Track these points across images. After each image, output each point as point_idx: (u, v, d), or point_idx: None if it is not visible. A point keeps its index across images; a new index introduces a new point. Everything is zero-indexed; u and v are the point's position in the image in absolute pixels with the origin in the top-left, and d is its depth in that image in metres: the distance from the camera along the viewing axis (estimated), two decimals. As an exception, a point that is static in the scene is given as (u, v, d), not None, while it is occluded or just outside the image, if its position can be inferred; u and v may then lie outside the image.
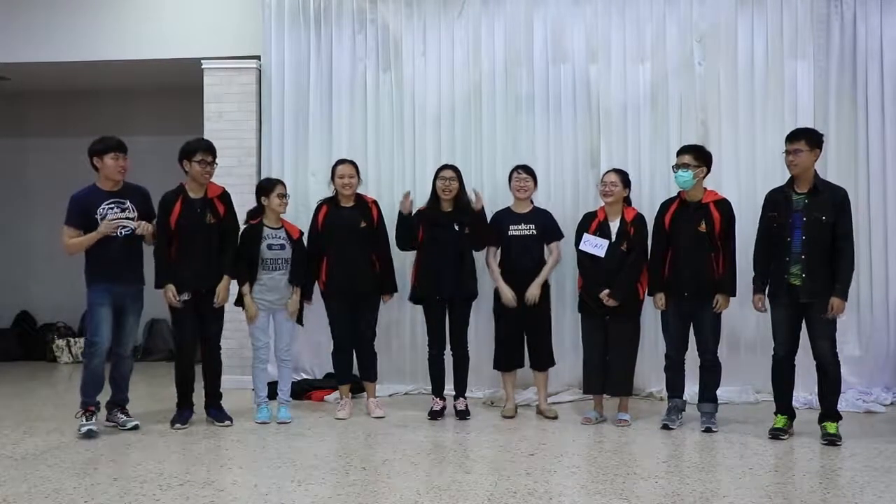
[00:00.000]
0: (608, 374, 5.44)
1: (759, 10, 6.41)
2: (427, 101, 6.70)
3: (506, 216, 5.76)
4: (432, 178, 5.79)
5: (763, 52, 6.40)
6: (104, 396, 5.38)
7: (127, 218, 5.20)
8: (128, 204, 5.23)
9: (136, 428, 5.28)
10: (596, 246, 5.39)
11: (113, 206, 5.18)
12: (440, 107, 6.69)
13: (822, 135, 5.06)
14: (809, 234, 4.90)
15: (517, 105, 6.60)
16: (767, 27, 6.40)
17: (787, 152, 4.99)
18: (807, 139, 4.95)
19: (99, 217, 5.13)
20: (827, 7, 6.36)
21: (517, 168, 5.82)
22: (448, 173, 5.70)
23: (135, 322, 5.38)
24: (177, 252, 5.34)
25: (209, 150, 5.40)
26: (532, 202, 5.82)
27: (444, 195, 5.68)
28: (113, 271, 5.16)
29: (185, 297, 5.34)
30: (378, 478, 4.29)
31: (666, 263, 5.33)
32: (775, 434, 5.03)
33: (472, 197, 5.72)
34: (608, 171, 5.61)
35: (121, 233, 5.17)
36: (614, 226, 5.44)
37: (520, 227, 5.69)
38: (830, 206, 4.92)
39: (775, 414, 5.15)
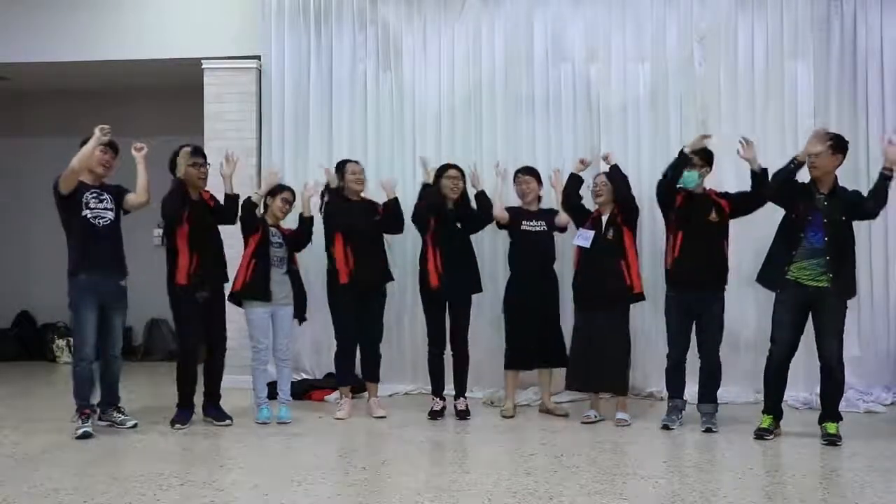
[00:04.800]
0: (602, 372, 5.44)
1: (759, 10, 6.42)
2: (427, 101, 6.71)
3: (518, 212, 5.82)
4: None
5: (763, 52, 6.40)
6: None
7: (105, 209, 5.21)
8: (105, 196, 5.25)
9: (135, 426, 5.28)
10: (584, 238, 5.49)
11: (94, 196, 5.20)
12: (440, 107, 6.70)
13: (847, 141, 5.02)
14: (832, 235, 4.88)
15: (517, 105, 6.61)
16: (767, 27, 6.40)
17: (809, 154, 4.96)
18: (832, 142, 4.93)
19: (83, 203, 5.15)
20: (827, 7, 6.36)
21: (518, 171, 5.89)
22: (454, 172, 5.75)
23: (121, 323, 5.34)
24: (197, 256, 5.35)
25: (200, 153, 5.47)
26: (540, 201, 5.86)
27: (452, 194, 5.70)
28: (98, 263, 5.15)
29: (203, 296, 5.36)
30: (378, 478, 4.29)
31: (677, 250, 5.32)
32: (760, 434, 5.02)
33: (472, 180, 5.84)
34: (600, 174, 5.67)
35: (100, 223, 5.18)
36: (605, 218, 5.52)
37: (531, 223, 5.75)
38: (848, 203, 4.94)
39: (763, 413, 5.14)
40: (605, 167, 5.79)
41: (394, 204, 5.80)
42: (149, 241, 7.09)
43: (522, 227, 5.75)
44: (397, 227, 5.85)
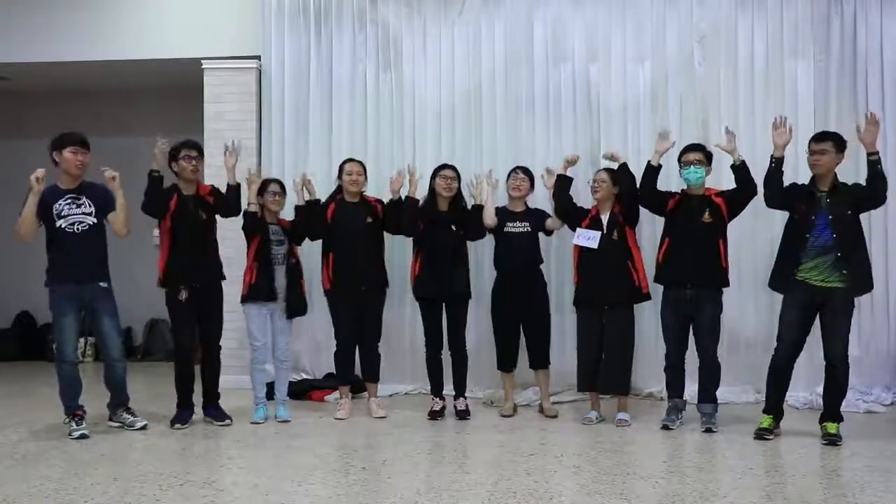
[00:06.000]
0: (605, 372, 5.45)
1: (759, 10, 6.42)
2: (427, 101, 6.71)
3: (502, 213, 5.79)
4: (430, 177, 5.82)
5: (763, 52, 6.40)
6: (95, 399, 5.41)
7: (83, 213, 5.17)
8: (83, 200, 5.19)
9: (144, 428, 5.28)
10: (589, 238, 5.45)
11: (69, 202, 5.16)
12: (440, 107, 6.70)
13: (846, 140, 5.02)
14: (839, 231, 4.88)
15: (517, 105, 6.61)
16: (767, 27, 6.40)
17: (813, 152, 4.96)
18: (834, 141, 4.95)
19: (55, 213, 5.11)
20: (827, 7, 6.37)
21: (515, 169, 5.87)
22: (449, 172, 5.73)
23: (112, 323, 5.27)
24: (172, 249, 5.36)
25: (193, 146, 5.44)
26: (527, 203, 5.84)
27: (445, 193, 5.69)
28: (74, 269, 5.10)
29: (183, 295, 5.34)
30: (378, 478, 4.29)
31: (663, 254, 5.37)
32: (760, 434, 5.02)
33: (472, 190, 5.77)
34: (599, 171, 5.68)
35: (78, 229, 5.14)
36: (605, 218, 5.50)
37: (515, 224, 5.72)
38: (851, 198, 4.94)
39: (763, 412, 5.14)
40: (604, 164, 5.79)
41: (390, 205, 5.75)
42: (149, 241, 7.07)
43: (505, 229, 5.73)
44: (397, 230, 5.81)
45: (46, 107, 8.68)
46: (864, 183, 5.01)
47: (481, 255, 6.16)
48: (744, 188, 5.25)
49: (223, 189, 5.56)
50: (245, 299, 5.58)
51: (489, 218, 5.73)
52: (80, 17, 7.28)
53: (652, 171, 5.41)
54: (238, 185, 5.52)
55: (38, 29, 7.31)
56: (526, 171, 5.85)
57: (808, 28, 6.37)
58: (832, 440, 4.88)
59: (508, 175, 5.86)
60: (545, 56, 6.61)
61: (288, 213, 5.85)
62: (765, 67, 6.39)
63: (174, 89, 7.86)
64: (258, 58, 6.95)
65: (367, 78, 6.77)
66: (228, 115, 6.95)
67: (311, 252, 6.12)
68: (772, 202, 5.21)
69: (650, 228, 6.07)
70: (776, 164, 5.09)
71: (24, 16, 7.32)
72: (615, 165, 5.59)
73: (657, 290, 5.58)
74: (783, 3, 6.40)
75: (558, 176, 5.76)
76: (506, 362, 5.80)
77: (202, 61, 7.03)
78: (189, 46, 7.10)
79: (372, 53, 6.78)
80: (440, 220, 5.70)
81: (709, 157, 5.37)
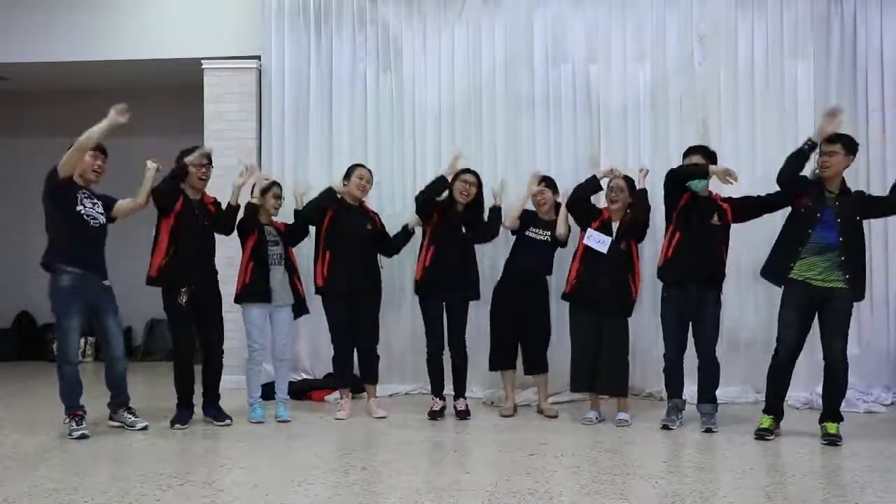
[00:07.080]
0: (604, 375, 5.44)
1: (759, 10, 6.43)
2: (427, 101, 6.72)
3: (530, 217, 5.79)
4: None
5: (763, 52, 6.41)
6: (95, 399, 5.41)
7: (98, 212, 5.20)
8: (96, 200, 5.25)
9: (145, 429, 5.28)
10: (600, 242, 5.43)
11: (87, 196, 5.19)
12: (440, 107, 6.70)
13: (857, 143, 5.00)
14: (846, 235, 4.87)
15: (517, 105, 6.61)
16: (767, 27, 6.41)
17: (823, 153, 4.92)
18: (843, 143, 4.91)
19: (78, 200, 5.11)
20: (827, 7, 6.38)
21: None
22: (471, 178, 5.73)
23: (116, 321, 5.30)
24: (171, 250, 5.35)
25: (205, 155, 5.44)
26: (558, 207, 5.77)
27: (461, 198, 5.69)
28: (85, 259, 5.11)
29: (183, 299, 5.35)
30: (378, 478, 4.29)
31: (673, 249, 5.32)
32: (761, 435, 5.01)
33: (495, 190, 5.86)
34: (615, 178, 5.54)
35: (93, 223, 5.16)
36: (615, 226, 5.48)
37: (538, 231, 5.72)
38: (859, 203, 4.95)
39: (763, 412, 5.14)
40: (605, 162, 5.77)
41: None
42: (149, 240, 7.07)
43: (527, 233, 5.73)
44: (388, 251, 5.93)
45: (46, 107, 8.70)
46: (865, 191, 5.05)
47: (482, 256, 6.16)
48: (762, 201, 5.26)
49: (223, 203, 5.59)
50: (240, 299, 5.58)
51: (510, 221, 5.76)
52: (80, 17, 7.29)
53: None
54: (238, 207, 5.54)
55: (38, 29, 7.32)
56: (544, 179, 5.82)
57: (808, 28, 6.38)
58: (832, 440, 4.88)
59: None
60: (545, 56, 6.62)
61: (285, 216, 5.85)
62: (765, 67, 6.40)
63: (174, 89, 7.86)
64: (258, 58, 6.95)
65: (367, 78, 6.77)
66: (228, 115, 6.96)
67: (309, 254, 6.11)
68: (784, 181, 5.00)
69: (650, 231, 6.05)
70: (809, 147, 4.90)
71: (24, 16, 7.32)
72: (612, 177, 5.53)
73: (655, 293, 5.57)
74: (783, 3, 6.41)
75: (594, 178, 5.62)
76: (496, 362, 5.81)
77: (202, 61, 7.04)
78: (189, 46, 7.11)
79: (372, 53, 6.78)
80: (453, 220, 5.70)
81: (714, 159, 5.34)
